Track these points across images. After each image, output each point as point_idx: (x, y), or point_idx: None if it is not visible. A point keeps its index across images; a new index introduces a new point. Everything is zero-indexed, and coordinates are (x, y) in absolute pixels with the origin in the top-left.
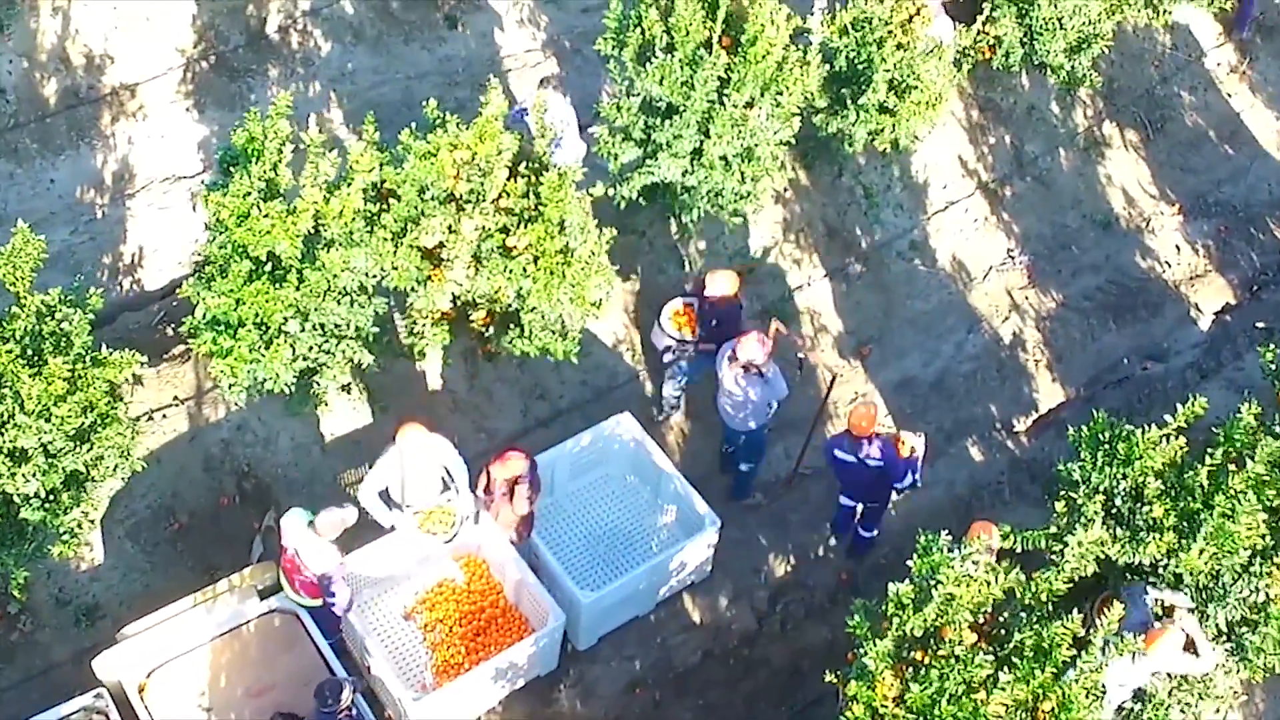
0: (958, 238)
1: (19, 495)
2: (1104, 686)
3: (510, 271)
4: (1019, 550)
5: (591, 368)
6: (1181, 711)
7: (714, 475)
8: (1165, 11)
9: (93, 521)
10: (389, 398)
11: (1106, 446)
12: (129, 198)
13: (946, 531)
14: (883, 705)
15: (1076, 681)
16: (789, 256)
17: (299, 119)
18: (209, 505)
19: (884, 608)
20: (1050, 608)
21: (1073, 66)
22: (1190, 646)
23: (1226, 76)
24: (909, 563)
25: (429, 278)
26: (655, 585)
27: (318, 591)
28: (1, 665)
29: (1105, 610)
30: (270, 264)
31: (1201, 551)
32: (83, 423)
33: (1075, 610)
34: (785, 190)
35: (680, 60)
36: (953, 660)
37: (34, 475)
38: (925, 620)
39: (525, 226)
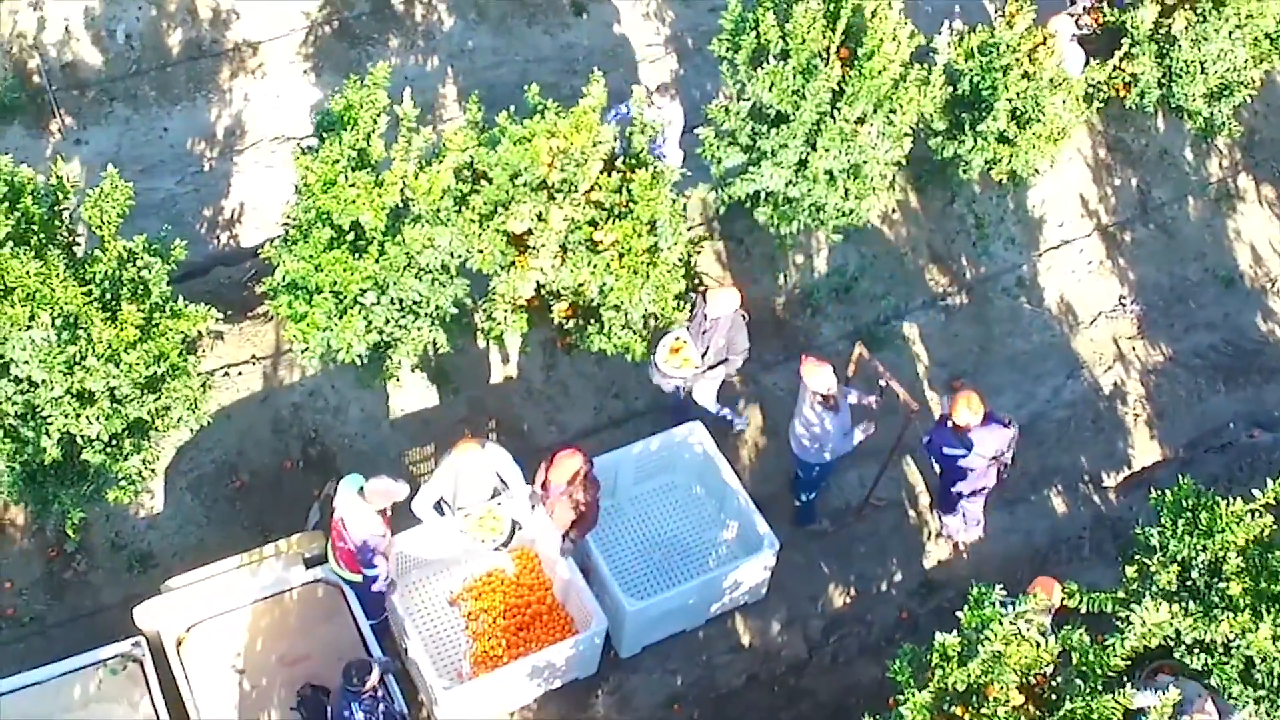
0: (1069, 279)
1: (82, 437)
2: None
3: (594, 266)
4: (1085, 611)
5: None
6: None
7: (784, 496)
8: None
9: (153, 470)
10: (462, 380)
11: (1189, 514)
12: (237, 153)
13: (1002, 586)
14: None
15: None
16: (888, 280)
17: (411, 91)
18: (272, 467)
19: (929, 657)
20: (1106, 678)
21: (1212, 113)
22: None
23: None
24: (958, 613)
25: (513, 263)
26: (706, 601)
27: (355, 564)
28: (52, 601)
29: (1154, 680)
30: (353, 234)
31: (1276, 637)
32: (152, 372)
33: (1128, 679)
34: (893, 211)
35: (793, 68)
36: None
37: (98, 418)
38: (969, 676)
39: (614, 222)
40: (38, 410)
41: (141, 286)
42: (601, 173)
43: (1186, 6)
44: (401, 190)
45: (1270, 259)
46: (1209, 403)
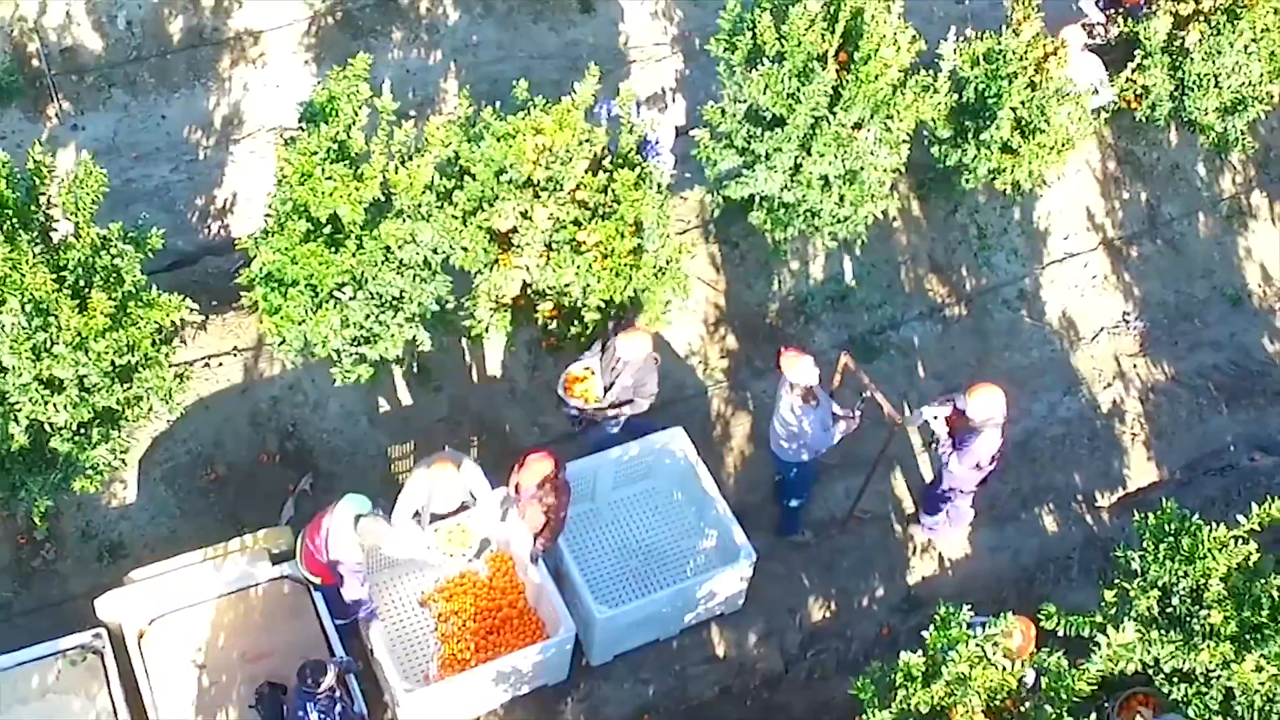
0: (1071, 293)
1: (50, 424)
2: None
3: (577, 266)
4: (1063, 635)
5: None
6: None
7: (768, 505)
8: None
9: (123, 461)
10: (445, 378)
11: (1171, 539)
12: (233, 143)
13: (970, 607)
14: None
15: None
16: (886, 289)
17: (413, 85)
18: (248, 460)
19: (893, 676)
20: (1074, 703)
21: (1225, 128)
22: None
23: None
24: (924, 633)
25: (496, 261)
26: (680, 611)
27: (319, 570)
28: (19, 589)
29: (1126, 711)
30: (330, 227)
31: (1260, 668)
32: (126, 361)
33: (1103, 704)
34: (894, 219)
35: (789, 71)
36: None
37: (66, 407)
38: (933, 697)
39: (598, 222)
40: (5, 396)
41: (115, 274)
42: (587, 172)
43: (1200, 19)
44: (383, 185)
45: None
46: (1210, 424)
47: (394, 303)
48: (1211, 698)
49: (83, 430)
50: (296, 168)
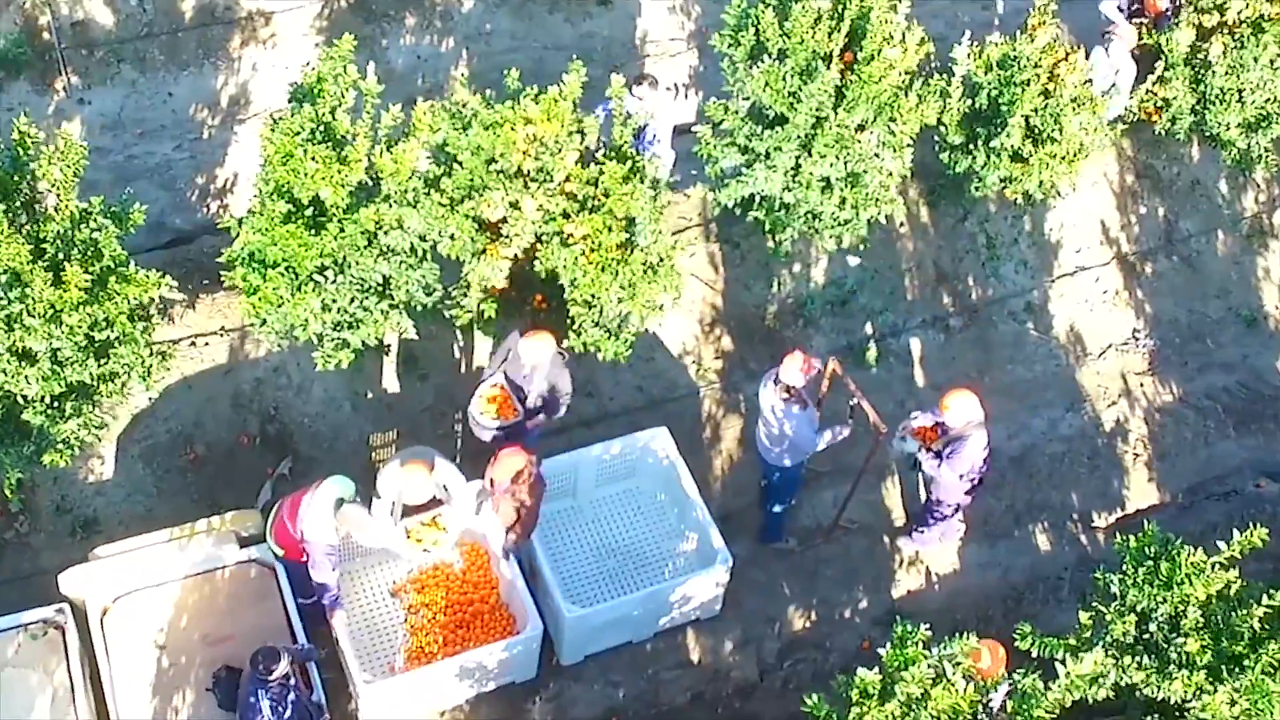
0: (1080, 308)
1: (23, 397)
2: None
3: (563, 259)
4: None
5: (650, 374)
6: None
7: (754, 510)
8: None
9: (97, 437)
10: (432, 367)
11: (1150, 563)
12: (238, 123)
13: (928, 626)
14: None
15: None
16: (888, 295)
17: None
18: (228, 441)
19: (849, 693)
20: None
21: (1249, 144)
22: None
23: None
24: (880, 650)
25: (484, 251)
26: (653, 614)
27: (289, 543)
28: None
29: None
30: (313, 209)
31: (1233, 701)
32: (105, 336)
33: None
34: (901, 224)
35: (791, 69)
36: None
37: (37, 379)
38: (888, 717)
39: (586, 215)
40: None
41: (93, 249)
42: (577, 163)
43: (1224, 31)
44: (370, 169)
45: None
46: (1216, 447)
47: (378, 288)
48: None
49: (55, 404)
50: (278, 148)
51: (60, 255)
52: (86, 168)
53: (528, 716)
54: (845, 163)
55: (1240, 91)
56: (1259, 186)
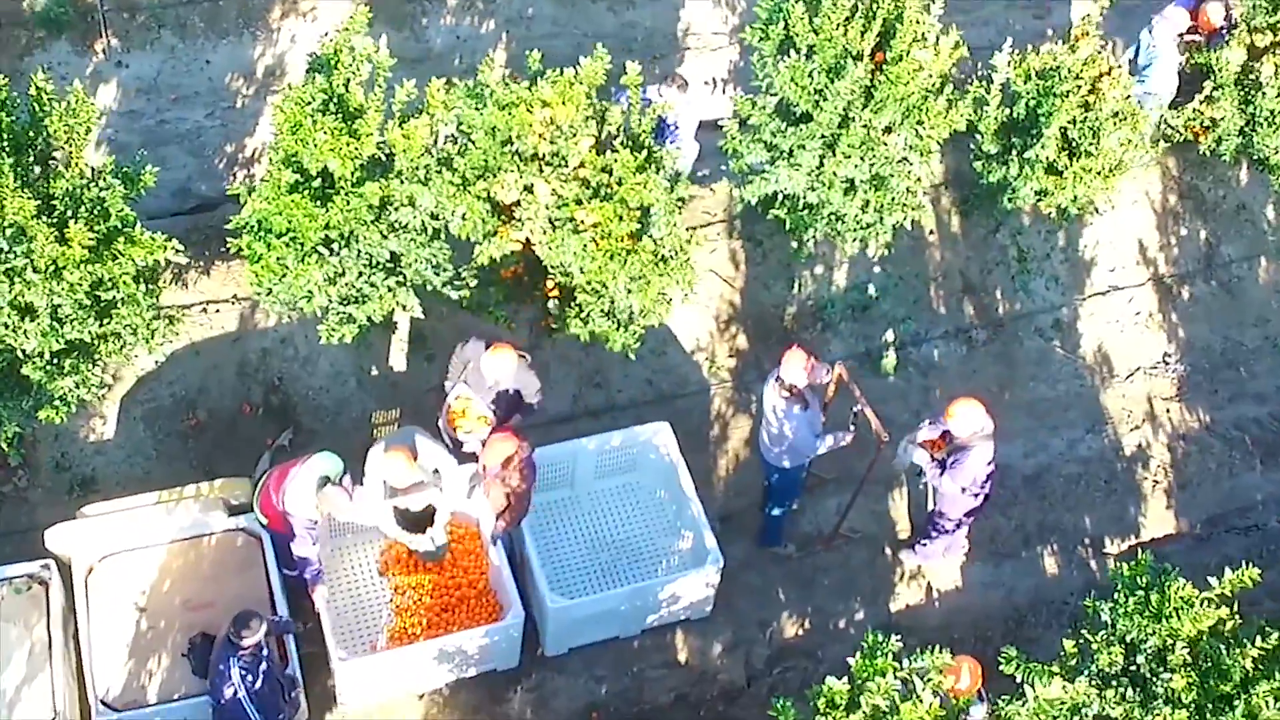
0: (1111, 328)
1: (22, 351)
2: None
3: (573, 247)
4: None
5: (661, 368)
6: None
7: (755, 513)
8: None
9: (97, 396)
10: (440, 347)
11: (1141, 593)
12: (272, 94)
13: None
14: None
15: None
16: (912, 303)
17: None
18: (231, 409)
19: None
20: None
21: None
22: None
23: None
24: (849, 659)
25: (495, 232)
26: (640, 610)
27: (272, 514)
28: None
29: None
30: (322, 181)
31: None
32: (111, 297)
33: None
34: (930, 231)
35: (819, 66)
36: None
37: (35, 334)
38: None
39: (597, 202)
40: None
41: (100, 208)
42: (592, 150)
43: (1277, 52)
44: (384, 145)
45: None
46: (1240, 479)
47: (385, 265)
48: None
49: (55, 360)
50: (288, 116)
51: (68, 213)
52: (117, 131)
53: (508, 705)
54: (870, 164)
55: None
56: None
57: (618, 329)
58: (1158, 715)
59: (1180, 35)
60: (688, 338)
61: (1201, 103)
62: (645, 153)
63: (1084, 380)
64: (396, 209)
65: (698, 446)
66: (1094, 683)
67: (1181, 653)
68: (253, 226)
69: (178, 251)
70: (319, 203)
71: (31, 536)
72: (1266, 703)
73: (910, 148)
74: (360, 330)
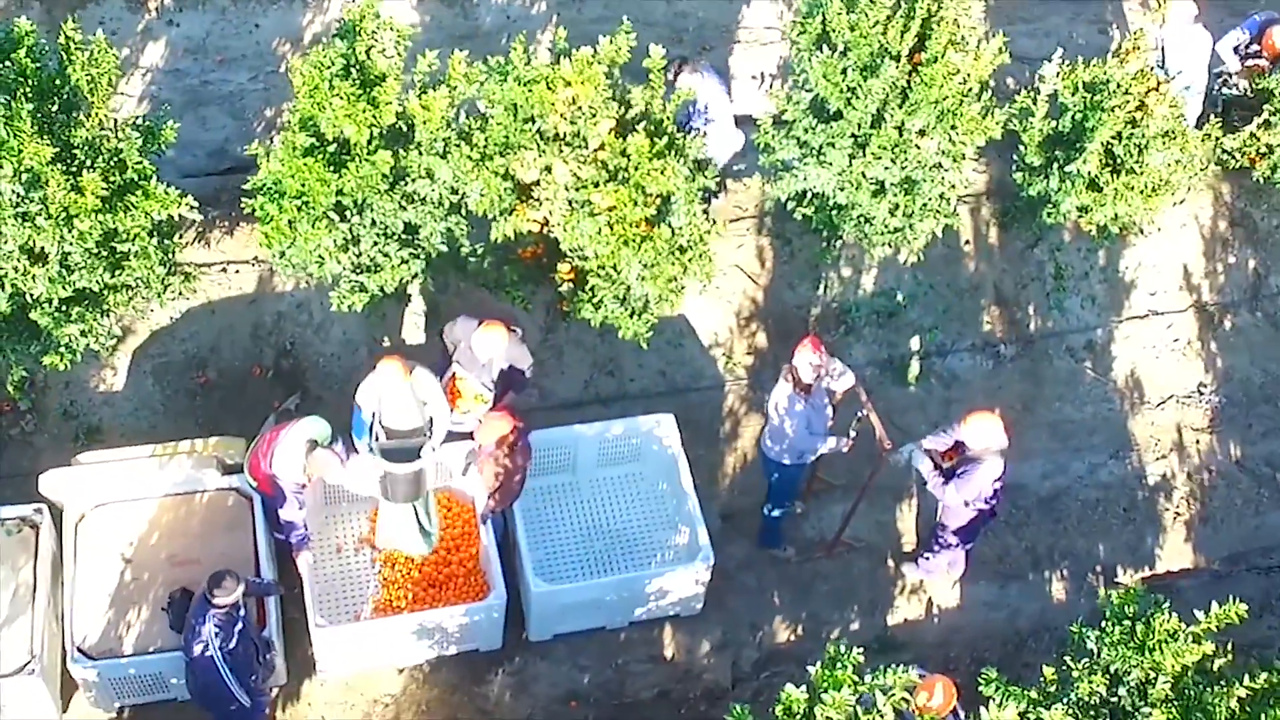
0: (1146, 353)
1: (31, 296)
2: None
3: (586, 230)
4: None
5: (676, 360)
6: None
7: (758, 513)
8: None
9: (106, 346)
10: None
11: (1127, 623)
12: None
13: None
14: None
15: None
16: (940, 312)
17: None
18: (241, 370)
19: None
20: None
21: None
22: None
23: None
24: (809, 667)
25: (512, 210)
26: (628, 602)
27: (261, 477)
28: None
29: None
30: (338, 147)
31: None
32: (128, 249)
33: None
34: (965, 242)
35: (854, 63)
36: None
37: (44, 279)
38: None
39: (613, 186)
40: None
41: (117, 158)
42: (611, 132)
43: None
44: (404, 114)
45: None
46: (1268, 518)
47: (400, 235)
48: None
49: (63, 307)
50: (306, 79)
51: (86, 161)
52: (160, 89)
53: (487, 686)
54: (901, 167)
55: None
56: None
57: (630, 316)
58: None
59: (1235, 51)
60: (706, 331)
61: (1259, 127)
62: (666, 139)
63: (1112, 404)
64: (414, 180)
65: (706, 442)
66: (1070, 711)
67: (1164, 687)
68: (268, 188)
69: (192, 208)
70: (333, 168)
71: (33, 481)
72: None
73: (943, 153)
74: (371, 299)
